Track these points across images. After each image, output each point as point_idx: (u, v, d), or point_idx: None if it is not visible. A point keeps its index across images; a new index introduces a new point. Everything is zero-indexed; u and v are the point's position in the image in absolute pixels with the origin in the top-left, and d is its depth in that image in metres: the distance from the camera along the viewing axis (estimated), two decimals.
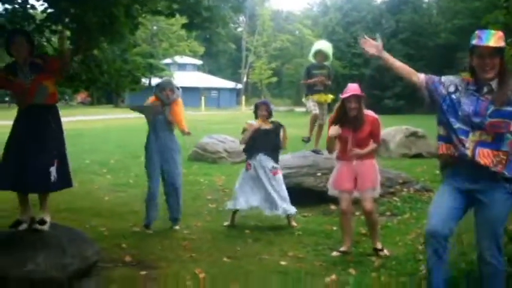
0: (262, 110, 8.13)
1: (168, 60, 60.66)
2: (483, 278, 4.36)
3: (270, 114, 8.17)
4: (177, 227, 7.90)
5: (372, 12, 54.61)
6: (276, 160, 8.19)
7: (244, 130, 8.22)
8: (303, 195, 9.10)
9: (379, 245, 6.60)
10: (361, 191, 6.58)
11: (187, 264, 6.25)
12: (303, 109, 56.37)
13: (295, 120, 10.29)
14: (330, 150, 6.85)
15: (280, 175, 8.20)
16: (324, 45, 10.17)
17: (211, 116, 41.66)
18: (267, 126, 8.12)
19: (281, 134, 8.18)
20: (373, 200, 6.71)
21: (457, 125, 4.27)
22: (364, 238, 7.21)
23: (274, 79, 71.55)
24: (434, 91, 4.42)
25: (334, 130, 6.51)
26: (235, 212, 8.15)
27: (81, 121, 30.60)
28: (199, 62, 72.23)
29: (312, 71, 9.93)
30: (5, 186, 5.56)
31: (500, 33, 4.27)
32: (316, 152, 10.16)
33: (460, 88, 4.35)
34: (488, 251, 4.25)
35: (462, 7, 46.61)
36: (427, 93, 4.47)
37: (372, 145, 6.62)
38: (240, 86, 71.84)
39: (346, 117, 6.51)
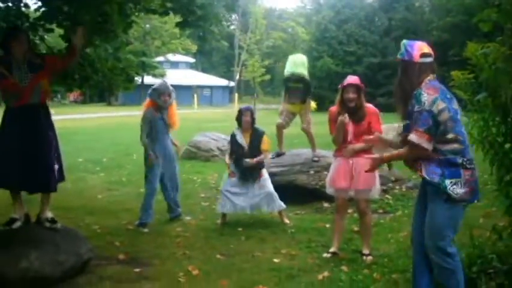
0: (246, 116, 8.14)
1: (160, 58, 60.64)
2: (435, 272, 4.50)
3: (253, 121, 8.20)
4: (188, 218, 8.35)
5: (364, 9, 54.58)
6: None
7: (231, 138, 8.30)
8: (296, 193, 9.18)
9: (366, 250, 6.43)
10: (356, 191, 6.41)
11: (180, 261, 6.27)
12: None
13: None
14: (337, 142, 6.52)
15: (265, 176, 8.20)
16: (297, 66, 9.83)
17: (204, 114, 41.69)
18: (247, 139, 8.13)
19: (263, 143, 8.16)
20: (368, 200, 6.57)
21: None
22: (356, 236, 7.20)
23: (267, 77, 71.57)
24: None
25: (341, 119, 6.26)
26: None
27: (73, 119, 30.61)
28: (192, 59, 72.22)
29: (288, 84, 9.82)
30: (9, 184, 5.57)
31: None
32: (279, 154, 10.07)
33: None
34: (430, 250, 4.40)
35: (454, 4, 46.62)
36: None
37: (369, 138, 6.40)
38: (232, 83, 71.88)
39: (346, 108, 6.33)
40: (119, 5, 7.04)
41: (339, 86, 6.43)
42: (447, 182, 4.21)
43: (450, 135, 4.24)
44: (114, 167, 13.49)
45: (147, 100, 8.07)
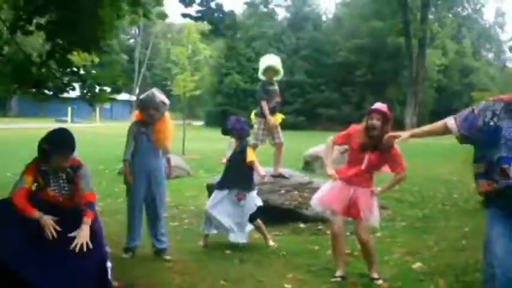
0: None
1: None
2: None
3: (245, 132, 7.76)
4: (167, 257, 7.02)
5: (273, 28, 55.13)
6: (244, 182, 7.70)
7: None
8: (269, 213, 8.73)
9: (375, 274, 6.19)
10: (357, 220, 6.17)
11: None
12: (200, 122, 55.83)
13: (216, 135, 9.93)
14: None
15: (245, 200, 7.65)
16: (274, 61, 9.01)
17: (108, 127, 40.57)
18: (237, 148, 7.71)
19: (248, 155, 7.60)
20: (369, 229, 6.37)
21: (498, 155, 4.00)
22: (351, 258, 6.92)
23: (199, 91, 70.85)
24: (470, 134, 4.22)
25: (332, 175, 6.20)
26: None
27: None
28: None
29: (267, 88, 8.93)
30: None
31: None
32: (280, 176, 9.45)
33: (498, 112, 4.10)
34: None
35: (361, 27, 48.08)
36: (465, 141, 4.29)
37: (396, 177, 6.21)
38: (133, 97, 70.90)
39: (367, 135, 6.08)
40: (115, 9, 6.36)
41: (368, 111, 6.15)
42: None
43: None
44: None
45: (137, 112, 7.23)
